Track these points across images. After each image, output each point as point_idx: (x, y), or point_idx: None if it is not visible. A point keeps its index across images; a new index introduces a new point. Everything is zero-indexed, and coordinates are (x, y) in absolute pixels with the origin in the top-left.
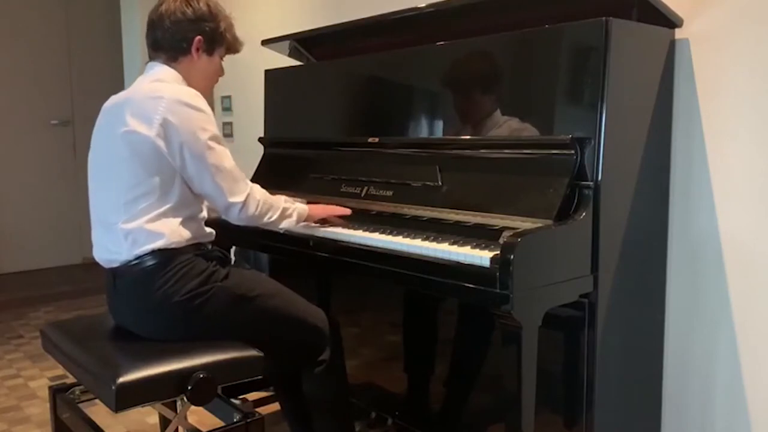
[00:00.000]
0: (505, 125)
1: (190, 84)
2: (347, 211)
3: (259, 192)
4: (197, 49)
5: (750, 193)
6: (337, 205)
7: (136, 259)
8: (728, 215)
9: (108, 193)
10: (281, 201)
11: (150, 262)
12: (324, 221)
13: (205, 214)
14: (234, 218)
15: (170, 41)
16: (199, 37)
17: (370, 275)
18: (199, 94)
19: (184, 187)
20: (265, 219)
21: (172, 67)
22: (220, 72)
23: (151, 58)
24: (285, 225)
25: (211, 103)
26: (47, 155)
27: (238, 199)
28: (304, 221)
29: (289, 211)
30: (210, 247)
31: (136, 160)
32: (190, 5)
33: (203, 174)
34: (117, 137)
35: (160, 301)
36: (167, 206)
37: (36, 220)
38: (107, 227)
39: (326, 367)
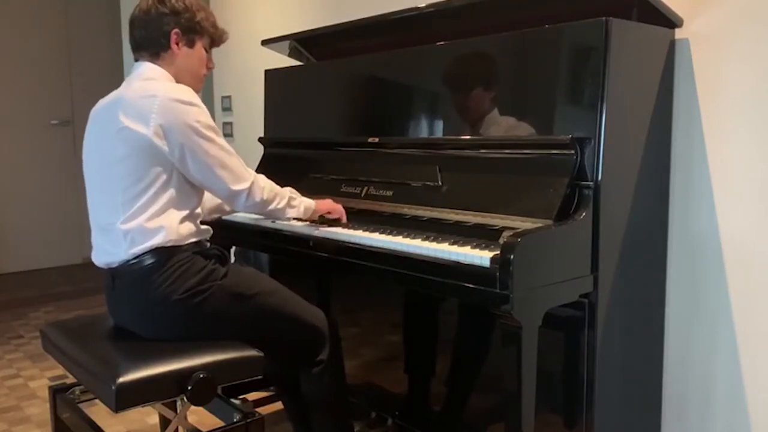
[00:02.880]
0: (504, 125)
1: (177, 78)
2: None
3: (264, 180)
4: (176, 43)
5: (750, 192)
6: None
7: (135, 258)
8: (728, 215)
9: (105, 194)
10: (287, 191)
11: (148, 261)
12: (329, 218)
13: (200, 210)
14: (240, 206)
15: (149, 39)
16: (175, 29)
17: (370, 275)
18: (190, 89)
19: (181, 182)
20: (272, 206)
21: (157, 65)
22: (207, 63)
23: (136, 59)
24: (292, 214)
25: (206, 101)
26: (47, 155)
27: (244, 186)
28: (311, 213)
29: (295, 201)
30: (208, 245)
31: (132, 159)
32: (164, 2)
33: (206, 166)
34: (111, 136)
35: (159, 300)
36: (164, 201)
37: (36, 220)
38: (106, 229)
39: (325, 367)
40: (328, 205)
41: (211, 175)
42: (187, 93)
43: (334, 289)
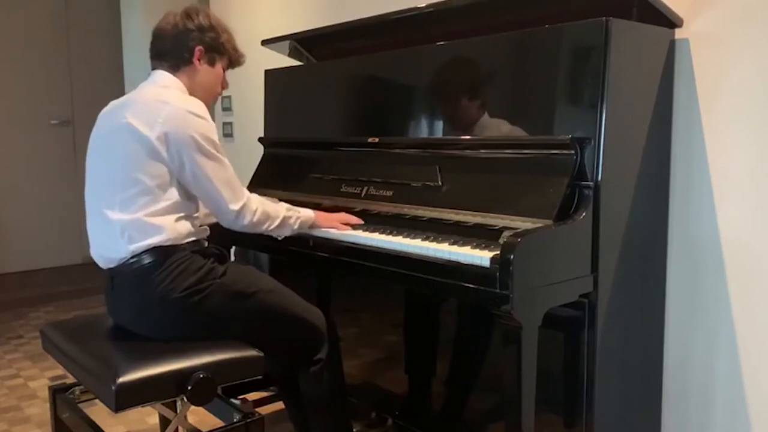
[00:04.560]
0: (504, 125)
1: (191, 92)
2: (358, 221)
3: (256, 201)
4: (198, 59)
5: (750, 193)
6: (336, 205)
7: (133, 257)
8: (728, 215)
9: (105, 186)
10: (282, 209)
11: (147, 260)
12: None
13: (199, 213)
14: (229, 226)
15: (173, 52)
16: (200, 46)
17: (370, 275)
18: (202, 104)
19: (180, 188)
20: (263, 228)
21: (175, 76)
22: (223, 83)
23: (154, 68)
24: (285, 233)
25: (213, 113)
26: (47, 155)
27: (234, 207)
28: (309, 227)
29: (291, 220)
30: (207, 244)
31: (132, 157)
32: (191, 18)
33: (201, 180)
34: (116, 133)
35: (158, 299)
36: (163, 205)
37: (36, 220)
38: (103, 222)
39: (323, 366)
40: (333, 219)
41: (203, 191)
42: (199, 107)
43: (334, 289)
